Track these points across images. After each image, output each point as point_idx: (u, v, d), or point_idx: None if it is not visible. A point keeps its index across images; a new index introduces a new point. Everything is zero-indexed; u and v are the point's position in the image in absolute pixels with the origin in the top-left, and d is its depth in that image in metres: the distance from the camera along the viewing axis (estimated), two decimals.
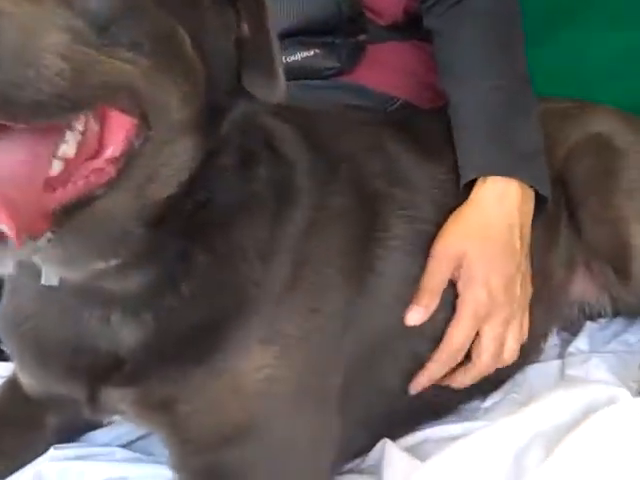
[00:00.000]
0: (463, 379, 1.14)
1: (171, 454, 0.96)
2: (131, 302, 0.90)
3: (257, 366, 0.92)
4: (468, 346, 1.12)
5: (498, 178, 1.15)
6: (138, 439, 1.20)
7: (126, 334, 0.91)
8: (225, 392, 0.91)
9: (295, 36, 1.45)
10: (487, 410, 1.26)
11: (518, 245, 1.13)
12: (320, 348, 0.98)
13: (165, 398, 0.92)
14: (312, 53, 1.44)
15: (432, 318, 1.10)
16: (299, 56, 1.42)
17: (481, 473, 1.01)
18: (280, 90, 0.87)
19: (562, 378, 1.33)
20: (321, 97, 1.43)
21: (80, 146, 0.70)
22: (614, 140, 1.37)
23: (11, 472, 1.09)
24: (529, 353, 1.33)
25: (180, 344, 0.91)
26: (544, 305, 1.30)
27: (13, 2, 0.62)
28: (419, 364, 1.13)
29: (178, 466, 0.94)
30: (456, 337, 1.10)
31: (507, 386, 1.31)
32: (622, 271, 1.32)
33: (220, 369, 0.91)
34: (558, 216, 1.32)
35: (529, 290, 1.19)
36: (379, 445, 1.10)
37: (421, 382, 1.11)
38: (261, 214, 0.94)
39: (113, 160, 0.73)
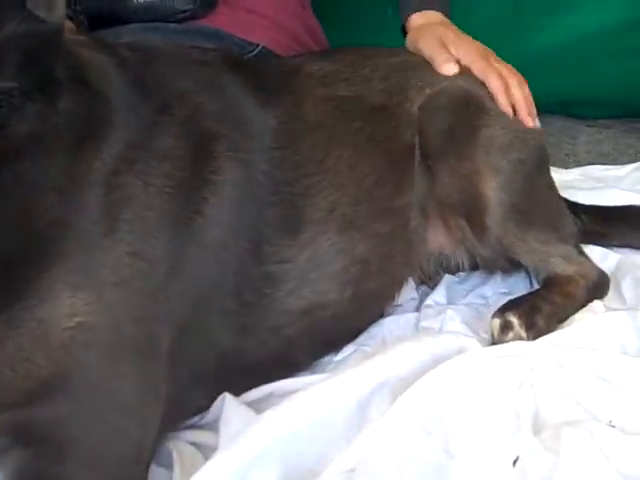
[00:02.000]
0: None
1: None
2: None
3: (66, 314, 0.84)
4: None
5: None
6: None
7: None
8: (29, 344, 0.83)
9: None
10: (338, 363, 1.23)
11: None
12: (141, 296, 0.91)
13: None
14: None
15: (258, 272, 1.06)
16: None
17: (322, 423, 0.97)
18: (59, 10, 0.81)
19: (415, 330, 1.30)
20: (175, 41, 1.35)
21: None
22: (477, 95, 1.37)
23: None
24: (384, 301, 1.30)
25: None
26: (400, 249, 1.28)
27: None
28: (250, 317, 1.07)
29: None
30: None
31: (360, 339, 1.28)
32: (477, 225, 1.30)
33: (21, 319, 0.82)
34: (411, 160, 1.29)
35: None
36: (219, 400, 1.05)
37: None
38: (61, 145, 0.87)
39: None
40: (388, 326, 1.32)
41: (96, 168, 0.90)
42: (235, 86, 1.14)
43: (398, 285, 1.33)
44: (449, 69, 1.37)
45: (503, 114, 1.36)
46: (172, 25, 1.40)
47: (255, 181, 1.07)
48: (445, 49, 1.40)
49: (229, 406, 1.02)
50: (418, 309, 1.39)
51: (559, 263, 1.36)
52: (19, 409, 0.83)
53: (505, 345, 1.19)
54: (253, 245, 1.06)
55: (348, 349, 1.26)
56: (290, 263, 1.11)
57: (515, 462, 0.96)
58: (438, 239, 1.37)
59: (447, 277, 1.47)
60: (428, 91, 1.34)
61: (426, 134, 1.30)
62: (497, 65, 1.40)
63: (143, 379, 0.91)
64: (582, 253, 1.42)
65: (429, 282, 1.44)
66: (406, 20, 1.54)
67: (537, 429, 1.01)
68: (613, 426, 0.98)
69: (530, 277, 1.48)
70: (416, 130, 1.31)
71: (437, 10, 1.53)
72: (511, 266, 1.43)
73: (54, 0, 0.80)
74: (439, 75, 1.38)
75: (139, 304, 0.91)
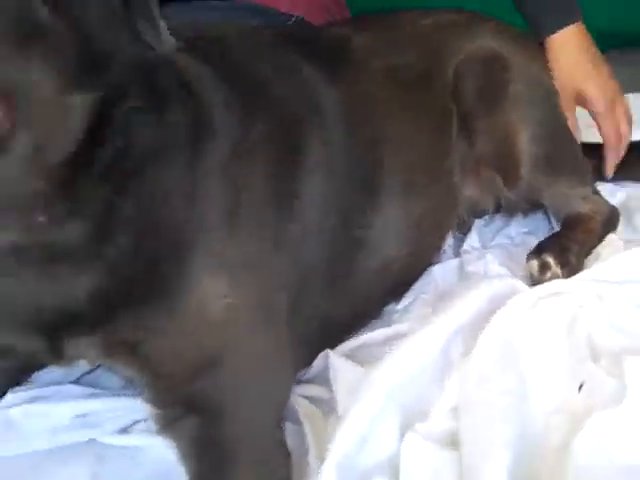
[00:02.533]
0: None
1: (146, 391, 1.01)
2: (74, 255, 0.91)
3: (213, 297, 0.97)
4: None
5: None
6: (83, 375, 1.23)
7: (77, 286, 0.93)
8: (188, 326, 0.96)
9: None
10: (403, 311, 1.38)
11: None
12: (265, 271, 1.05)
13: (130, 340, 0.96)
14: None
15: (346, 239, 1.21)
16: None
17: (421, 368, 1.12)
18: (167, 43, 0.89)
19: (462, 275, 1.45)
20: (221, 17, 1.44)
21: None
22: (501, 54, 1.48)
23: None
24: (434, 252, 1.45)
25: (133, 289, 0.94)
26: (446, 205, 1.43)
27: None
28: (341, 281, 1.21)
29: (155, 401, 0.99)
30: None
31: (416, 287, 1.43)
32: (510, 175, 1.45)
33: (178, 306, 0.95)
34: (451, 123, 1.42)
35: None
36: (321, 355, 1.19)
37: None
38: (179, 154, 0.97)
39: None
40: (437, 273, 1.47)
41: (210, 169, 1.01)
42: (304, 66, 1.24)
43: (445, 236, 1.48)
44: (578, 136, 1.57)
45: (526, 68, 1.50)
46: (214, 2, 1.46)
47: (335, 157, 1.19)
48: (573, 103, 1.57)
49: (334, 361, 1.17)
50: (456, 254, 1.54)
51: (579, 203, 1.54)
52: (187, 384, 0.97)
53: (548, 284, 1.34)
54: (341, 216, 1.19)
55: (407, 298, 1.41)
56: (370, 228, 1.25)
57: (580, 388, 1.12)
58: (471, 190, 1.51)
59: (476, 221, 1.62)
60: (459, 55, 1.46)
61: (460, 97, 1.43)
62: (619, 115, 1.57)
63: (278, 346, 1.05)
64: (596, 191, 1.59)
65: (462, 228, 1.59)
66: (541, 39, 1.59)
67: (596, 357, 1.17)
68: None
69: (548, 216, 1.63)
70: (452, 94, 1.43)
71: (572, 22, 1.55)
72: (531, 207, 1.58)
73: (163, 34, 0.88)
74: (470, 36, 1.49)
75: (264, 280, 1.04)
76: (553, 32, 1.53)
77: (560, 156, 1.49)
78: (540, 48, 1.59)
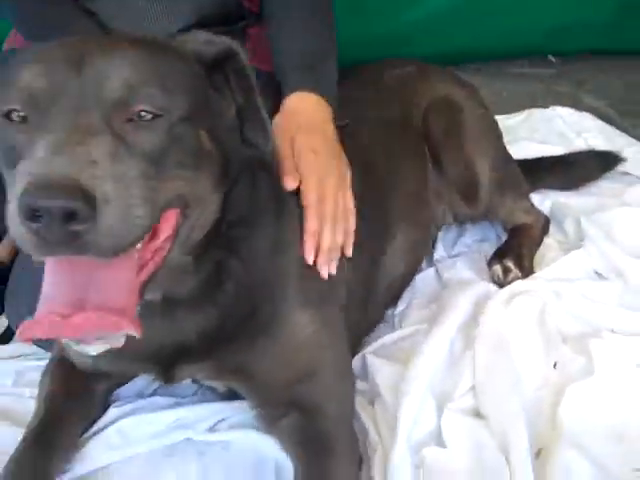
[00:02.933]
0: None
1: (251, 397, 1.29)
2: (191, 301, 1.19)
3: (303, 325, 1.27)
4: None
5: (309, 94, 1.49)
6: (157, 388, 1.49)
7: (191, 324, 1.20)
8: (285, 349, 1.25)
9: (202, 27, 1.69)
10: (401, 315, 1.71)
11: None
12: (333, 300, 1.36)
13: (238, 365, 1.24)
14: None
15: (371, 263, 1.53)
16: None
17: (438, 363, 1.46)
18: (272, 140, 1.18)
19: (441, 281, 1.80)
20: None
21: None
22: (455, 100, 1.82)
23: (78, 434, 1.35)
24: (420, 264, 1.80)
25: (238, 324, 1.21)
26: (427, 224, 1.78)
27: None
28: (370, 294, 1.54)
29: (260, 405, 1.28)
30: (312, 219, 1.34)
31: (406, 294, 1.76)
32: (471, 197, 1.81)
33: (278, 335, 1.24)
34: (426, 162, 1.77)
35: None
36: (357, 357, 1.51)
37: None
38: (267, 224, 1.25)
39: (166, 239, 1.01)
40: (420, 282, 1.81)
41: (287, 231, 1.30)
42: None
43: (428, 249, 1.83)
44: (289, 184, 1.32)
45: (475, 109, 1.85)
46: None
47: (359, 202, 1.49)
48: (291, 160, 1.37)
49: (372, 361, 1.49)
50: (429, 263, 1.89)
51: (522, 215, 1.91)
52: (289, 388, 1.26)
53: (514, 285, 1.70)
54: (368, 247, 1.50)
55: (402, 304, 1.74)
56: (384, 254, 1.57)
57: (555, 365, 1.49)
58: (439, 210, 1.86)
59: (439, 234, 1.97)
60: (424, 104, 1.80)
61: (429, 137, 1.77)
62: (329, 197, 1.36)
63: (346, 354, 1.36)
64: (532, 203, 1.97)
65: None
66: (283, 94, 1.51)
67: (564, 341, 1.54)
68: (614, 332, 1.54)
69: (493, 225, 2.01)
70: (423, 135, 1.77)
71: (319, 93, 1.49)
72: (479, 218, 1.95)
73: (267, 134, 1.17)
74: (429, 87, 1.82)
75: (333, 307, 1.35)
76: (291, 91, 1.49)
77: (508, 178, 1.86)
78: (478, 91, 1.95)
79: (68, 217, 0.81)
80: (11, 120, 0.96)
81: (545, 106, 2.78)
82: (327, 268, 1.31)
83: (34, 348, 1.58)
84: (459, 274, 1.80)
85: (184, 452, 1.35)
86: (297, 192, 1.32)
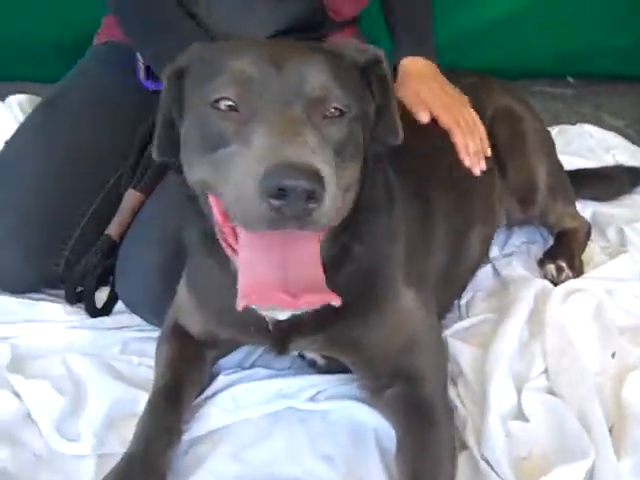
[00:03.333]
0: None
1: (359, 369, 1.43)
2: None
3: (408, 302, 1.41)
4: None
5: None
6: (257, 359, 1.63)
7: None
8: (394, 323, 1.39)
9: (286, 34, 1.85)
10: (467, 305, 1.86)
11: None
12: (429, 281, 1.51)
13: (349, 339, 1.37)
14: None
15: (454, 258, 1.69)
16: None
17: (513, 348, 1.61)
18: (400, 137, 1.33)
19: (500, 277, 1.96)
20: None
21: None
22: (517, 111, 1.98)
23: (194, 398, 1.48)
24: (484, 260, 1.95)
25: (354, 301, 1.32)
26: (492, 227, 1.93)
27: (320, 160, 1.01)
28: (449, 282, 1.69)
29: (367, 376, 1.42)
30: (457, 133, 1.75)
31: (470, 287, 1.91)
32: (528, 201, 1.97)
33: (388, 310, 1.38)
34: (494, 168, 1.92)
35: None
36: None
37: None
38: (382, 211, 1.38)
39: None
40: (481, 276, 1.96)
41: (399, 222, 1.43)
42: None
43: (489, 247, 1.98)
44: (424, 117, 1.73)
45: (533, 120, 2.01)
46: None
47: (447, 201, 1.65)
48: (420, 101, 1.76)
49: (454, 344, 1.64)
50: (486, 261, 2.04)
51: (570, 220, 2.07)
52: (394, 360, 1.39)
53: (568, 283, 1.86)
54: (453, 240, 1.66)
55: (465, 296, 1.89)
56: (465, 248, 1.73)
57: (613, 355, 1.64)
58: (500, 211, 2.02)
59: None
60: (489, 111, 1.95)
61: (495, 143, 1.93)
62: (459, 117, 1.76)
63: (439, 328, 1.53)
64: (576, 210, 2.14)
65: None
66: (398, 61, 1.92)
67: (621, 333, 1.71)
68: None
69: (538, 228, 2.17)
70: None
71: (425, 56, 1.91)
72: (529, 221, 2.11)
73: (397, 131, 1.31)
74: (494, 96, 1.98)
75: (429, 287, 1.51)
76: (407, 56, 1.90)
77: (560, 184, 2.02)
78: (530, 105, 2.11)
79: (308, 196, 0.95)
80: (219, 109, 1.09)
81: (570, 123, 2.95)
82: (479, 167, 1.75)
83: (136, 320, 1.69)
84: (516, 271, 1.96)
85: (288, 419, 1.48)
86: (403, 180, 1.47)
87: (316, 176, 0.96)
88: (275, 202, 0.95)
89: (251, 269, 1.05)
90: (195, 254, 1.41)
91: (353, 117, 1.14)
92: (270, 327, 1.32)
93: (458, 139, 1.74)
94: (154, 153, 1.31)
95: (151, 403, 1.38)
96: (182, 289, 1.49)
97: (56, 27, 2.94)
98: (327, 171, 1.00)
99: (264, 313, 1.10)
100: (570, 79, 3.48)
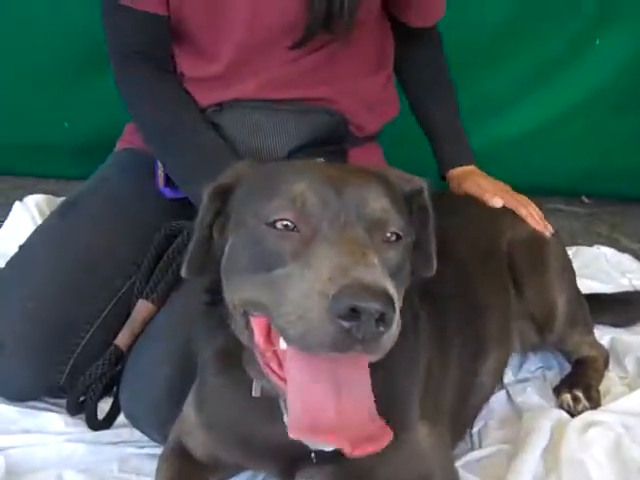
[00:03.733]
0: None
1: None
2: None
3: (423, 436, 1.36)
4: None
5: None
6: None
7: None
8: (408, 458, 1.33)
9: (309, 147, 1.86)
10: (479, 434, 1.79)
11: None
12: (443, 413, 1.45)
13: (362, 471, 1.31)
14: (322, 160, 1.84)
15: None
16: None
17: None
18: (434, 269, 1.32)
19: (514, 404, 1.90)
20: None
21: None
22: (540, 235, 1.96)
23: None
24: (498, 386, 1.89)
25: None
26: (507, 351, 1.87)
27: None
28: (460, 413, 1.63)
29: None
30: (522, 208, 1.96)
31: (482, 415, 1.85)
32: (546, 328, 1.93)
33: (403, 442, 1.30)
34: (509, 290, 1.89)
35: None
36: None
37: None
38: (407, 340, 1.29)
39: None
40: (493, 403, 1.90)
41: (419, 354, 1.40)
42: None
43: (503, 372, 1.93)
44: (497, 202, 1.98)
45: (557, 245, 1.99)
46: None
47: (459, 326, 1.61)
48: (484, 190, 2.02)
49: (465, 476, 1.57)
50: (499, 387, 1.98)
51: (589, 349, 2.02)
52: None
53: (586, 415, 1.80)
54: (465, 369, 1.61)
55: (478, 423, 1.83)
56: (477, 376, 1.68)
57: None
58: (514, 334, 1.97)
59: None
60: (507, 235, 1.94)
61: (513, 267, 1.90)
62: (516, 196, 2.01)
63: (454, 465, 1.46)
64: (595, 338, 2.09)
65: None
66: (446, 171, 2.17)
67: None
68: None
69: (554, 355, 2.12)
70: (507, 265, 1.90)
71: (468, 164, 2.17)
72: (544, 348, 2.06)
73: (432, 265, 1.31)
74: (514, 219, 1.96)
75: (444, 419, 1.45)
76: (454, 167, 2.15)
77: (579, 313, 1.99)
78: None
79: (379, 319, 0.93)
80: (276, 228, 1.08)
81: (586, 244, 2.94)
82: (548, 230, 1.96)
83: (136, 435, 1.64)
84: (531, 399, 1.91)
85: None
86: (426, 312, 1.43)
87: (388, 299, 0.94)
88: (346, 324, 0.92)
89: (303, 396, 1.02)
90: (207, 372, 1.37)
91: (408, 243, 1.14)
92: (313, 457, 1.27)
93: (523, 211, 1.94)
94: (184, 271, 1.27)
95: None
96: (189, 407, 1.44)
97: (78, 129, 2.99)
98: (395, 296, 0.97)
99: (308, 443, 1.04)
100: (584, 199, 3.47)
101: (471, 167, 2.17)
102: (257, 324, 1.12)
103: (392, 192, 1.17)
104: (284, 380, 1.08)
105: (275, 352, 1.10)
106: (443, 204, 1.86)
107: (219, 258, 1.21)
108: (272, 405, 1.20)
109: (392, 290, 0.98)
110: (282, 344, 1.07)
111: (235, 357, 1.25)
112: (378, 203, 1.11)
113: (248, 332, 1.15)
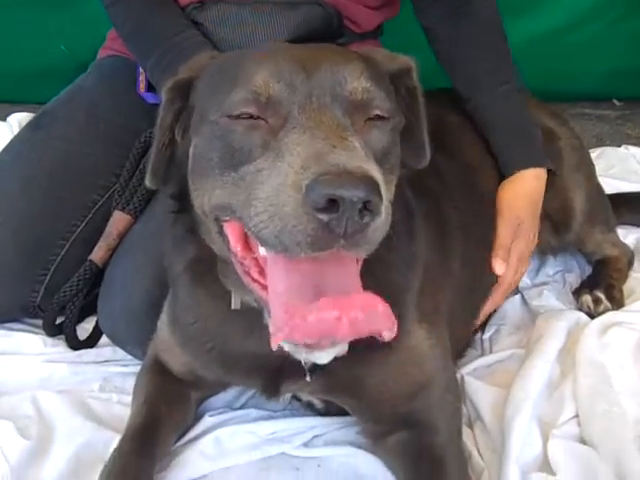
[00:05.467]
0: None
1: (360, 413, 1.25)
2: None
3: (421, 339, 1.23)
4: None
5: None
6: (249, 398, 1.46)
7: None
8: (404, 363, 1.20)
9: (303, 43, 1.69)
10: (491, 340, 1.66)
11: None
12: (443, 314, 1.32)
13: (351, 380, 1.19)
14: None
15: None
16: None
17: (539, 388, 1.41)
18: (428, 159, 1.17)
19: (529, 309, 1.76)
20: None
21: None
22: (553, 129, 1.79)
23: (174, 441, 1.32)
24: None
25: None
26: None
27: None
28: (467, 312, 1.50)
29: (369, 419, 1.24)
30: (509, 276, 1.55)
31: (494, 320, 1.72)
32: (563, 227, 1.77)
33: (396, 347, 1.17)
34: None
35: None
36: None
37: (486, 310, 1.56)
38: (401, 241, 1.20)
39: None
40: (507, 308, 1.76)
41: (418, 249, 1.26)
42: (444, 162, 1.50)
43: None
44: (499, 270, 1.55)
45: (570, 139, 1.81)
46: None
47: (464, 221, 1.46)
48: (509, 244, 1.58)
49: (471, 382, 1.45)
50: (514, 292, 1.84)
51: (610, 248, 1.87)
52: (399, 405, 1.21)
53: (607, 316, 1.66)
54: (471, 266, 1.47)
55: (490, 329, 1.69)
56: (485, 273, 1.53)
57: None
58: None
59: None
60: None
61: None
62: (520, 260, 1.61)
63: (454, 369, 1.35)
64: (618, 236, 1.93)
65: None
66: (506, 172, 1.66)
67: None
68: None
69: (574, 257, 1.96)
70: None
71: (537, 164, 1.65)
72: (564, 249, 1.90)
73: (424, 154, 1.17)
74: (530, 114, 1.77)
75: (443, 321, 1.31)
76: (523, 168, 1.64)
77: (599, 210, 1.83)
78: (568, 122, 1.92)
79: (363, 208, 0.79)
80: (240, 120, 0.94)
81: (614, 145, 2.75)
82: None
83: (120, 354, 1.55)
84: (547, 302, 1.77)
85: (280, 467, 1.31)
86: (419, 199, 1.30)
87: (373, 183, 0.80)
88: (324, 217, 0.79)
89: (284, 301, 0.88)
90: (180, 286, 1.25)
91: (395, 125, 1.01)
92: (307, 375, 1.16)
93: (506, 280, 1.60)
94: (148, 180, 1.14)
95: (121, 448, 1.22)
96: (163, 323, 1.33)
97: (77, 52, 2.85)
98: (381, 181, 0.84)
99: (301, 357, 0.93)
100: (616, 101, 3.26)
101: (533, 177, 1.67)
102: (231, 230, 0.99)
103: (375, 71, 1.02)
104: (267, 288, 0.94)
105: (255, 259, 0.97)
106: (444, 99, 1.75)
107: (185, 162, 1.07)
108: (252, 317, 1.10)
109: (377, 175, 0.84)
110: (262, 250, 0.94)
111: (209, 269, 1.14)
112: (358, 82, 0.97)
113: (222, 239, 1.02)
